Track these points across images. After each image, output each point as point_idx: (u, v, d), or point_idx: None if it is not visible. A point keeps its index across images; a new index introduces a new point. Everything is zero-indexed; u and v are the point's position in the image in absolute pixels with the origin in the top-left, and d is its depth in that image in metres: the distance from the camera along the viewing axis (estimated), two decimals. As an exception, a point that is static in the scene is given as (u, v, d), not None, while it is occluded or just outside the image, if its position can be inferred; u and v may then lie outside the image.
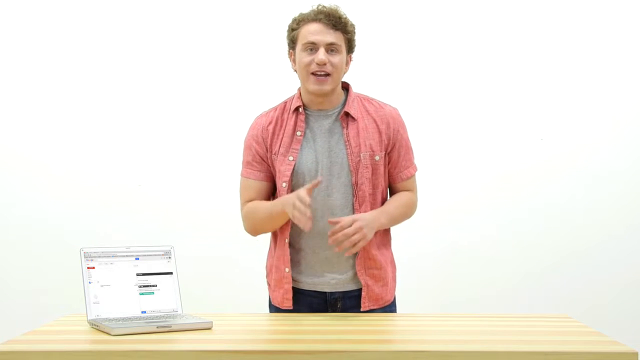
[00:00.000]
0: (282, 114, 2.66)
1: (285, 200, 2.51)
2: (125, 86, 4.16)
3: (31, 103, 4.16)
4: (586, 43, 4.11)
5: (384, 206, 2.62)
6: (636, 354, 1.99)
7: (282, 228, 2.63)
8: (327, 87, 2.56)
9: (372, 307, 2.62)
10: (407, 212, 2.69)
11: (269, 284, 2.73)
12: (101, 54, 4.16)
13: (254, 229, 2.67)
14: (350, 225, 2.44)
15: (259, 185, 2.67)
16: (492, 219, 4.12)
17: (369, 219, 2.50)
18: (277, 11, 4.15)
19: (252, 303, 3.89)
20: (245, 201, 2.68)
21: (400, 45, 4.11)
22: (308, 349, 2.03)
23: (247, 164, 2.70)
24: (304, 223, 2.40)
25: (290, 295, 2.62)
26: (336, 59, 2.55)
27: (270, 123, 2.66)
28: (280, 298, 2.64)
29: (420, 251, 4.08)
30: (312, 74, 2.55)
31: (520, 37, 4.12)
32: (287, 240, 2.61)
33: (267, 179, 2.67)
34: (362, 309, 2.61)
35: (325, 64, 2.53)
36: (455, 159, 4.09)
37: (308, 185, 2.46)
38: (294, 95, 2.67)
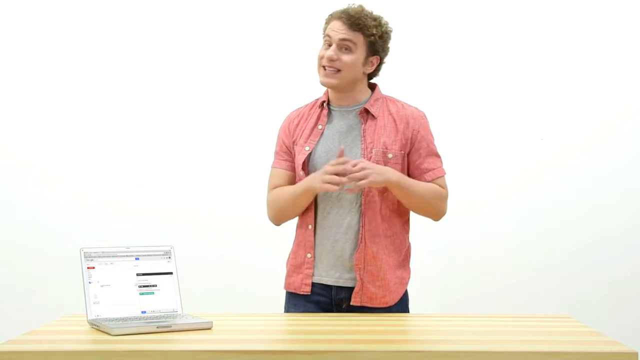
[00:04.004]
0: (310, 109, 2.79)
1: (310, 178, 2.60)
2: (126, 86, 4.16)
3: (31, 103, 4.16)
4: (586, 43, 4.11)
5: None
6: (636, 354, 1.99)
7: (304, 214, 2.70)
8: (333, 81, 2.65)
9: (364, 304, 2.63)
10: (431, 197, 2.65)
11: (287, 272, 2.77)
12: (102, 55, 4.16)
13: (278, 214, 2.74)
14: (355, 166, 2.51)
15: (286, 174, 2.78)
16: (491, 218, 4.12)
17: (377, 166, 2.56)
18: (276, 12, 4.16)
19: (252, 303, 3.90)
20: (271, 189, 2.78)
21: (399, 46, 4.11)
22: (308, 348, 2.03)
23: (276, 154, 2.82)
24: (334, 188, 2.52)
25: (309, 280, 2.67)
26: (348, 57, 2.63)
27: (297, 116, 2.79)
28: (298, 283, 2.69)
29: (419, 251, 4.08)
30: (323, 67, 2.65)
31: (520, 37, 4.12)
32: (310, 227, 2.67)
33: (294, 169, 2.77)
34: (351, 303, 2.62)
35: (333, 60, 2.62)
36: (455, 159, 4.08)
37: (333, 161, 2.54)
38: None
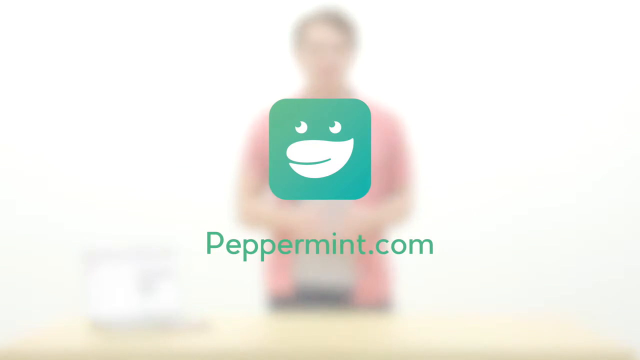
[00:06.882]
0: None
1: (292, 222, 2.57)
2: (124, 84, 4.16)
3: (31, 101, 4.16)
4: (586, 43, 4.11)
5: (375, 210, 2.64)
6: (635, 353, 1.99)
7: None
8: (332, 86, 2.60)
9: (365, 303, 2.65)
10: (397, 217, 2.69)
11: (265, 275, 2.74)
12: (102, 54, 4.16)
13: (250, 228, 2.71)
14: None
15: (256, 183, 2.70)
16: (491, 218, 4.12)
17: (352, 222, 2.55)
18: (265, 10, 4.16)
19: (252, 303, 3.90)
20: (243, 193, 2.69)
21: (397, 45, 4.11)
22: (308, 349, 2.04)
23: (248, 153, 2.70)
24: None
25: (290, 281, 2.65)
26: (342, 58, 2.59)
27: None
28: (280, 284, 2.67)
29: (416, 249, 4.09)
30: (318, 72, 2.57)
31: (520, 36, 4.12)
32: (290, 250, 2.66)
33: (263, 177, 2.69)
34: (355, 303, 2.64)
35: (331, 65, 2.56)
36: (455, 159, 4.09)
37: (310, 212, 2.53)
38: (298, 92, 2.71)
